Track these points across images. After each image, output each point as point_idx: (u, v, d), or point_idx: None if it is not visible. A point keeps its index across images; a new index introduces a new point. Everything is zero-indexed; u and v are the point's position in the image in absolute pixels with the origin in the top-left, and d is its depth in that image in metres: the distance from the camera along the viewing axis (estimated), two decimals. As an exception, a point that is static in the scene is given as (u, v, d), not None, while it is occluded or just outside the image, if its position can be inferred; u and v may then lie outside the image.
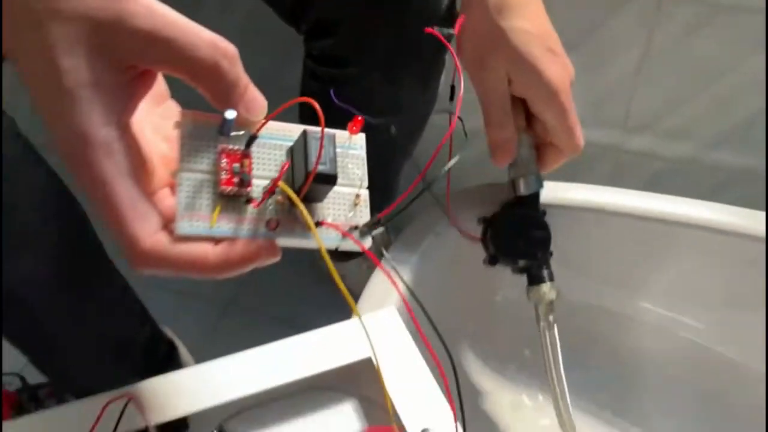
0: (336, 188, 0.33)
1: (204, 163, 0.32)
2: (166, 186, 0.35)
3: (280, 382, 0.41)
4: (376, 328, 0.44)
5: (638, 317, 0.66)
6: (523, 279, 0.57)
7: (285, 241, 0.33)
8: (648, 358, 0.66)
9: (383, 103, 0.65)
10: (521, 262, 0.57)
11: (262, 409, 0.40)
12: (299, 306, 1.00)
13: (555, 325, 0.56)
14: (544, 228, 0.57)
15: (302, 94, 0.33)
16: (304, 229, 0.33)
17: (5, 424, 0.40)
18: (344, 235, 0.33)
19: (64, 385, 0.84)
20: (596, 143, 0.90)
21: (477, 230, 0.59)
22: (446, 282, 0.61)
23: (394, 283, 0.33)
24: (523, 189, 0.57)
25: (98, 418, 0.37)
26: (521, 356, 0.68)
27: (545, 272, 0.56)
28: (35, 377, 1.01)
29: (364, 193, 0.35)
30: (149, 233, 0.31)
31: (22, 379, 1.00)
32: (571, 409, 0.56)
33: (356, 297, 0.54)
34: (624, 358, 0.67)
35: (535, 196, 0.58)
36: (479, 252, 0.59)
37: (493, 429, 0.64)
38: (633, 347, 0.66)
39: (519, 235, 0.57)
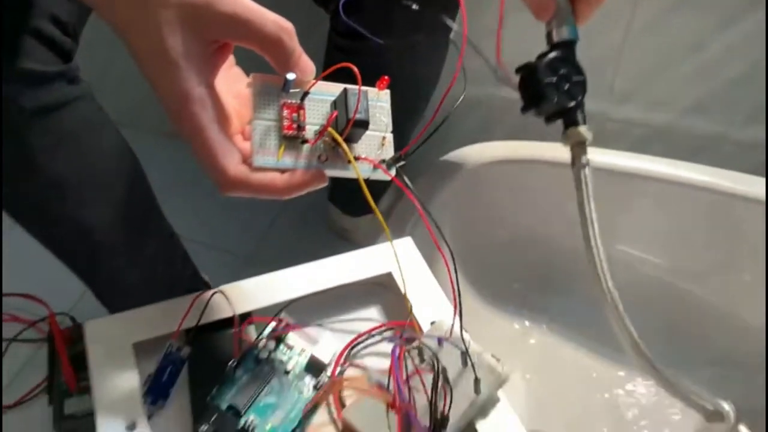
0: (367, 132, 0.44)
1: (271, 113, 0.44)
2: (238, 133, 0.47)
3: (321, 288, 0.53)
4: (399, 250, 0.55)
5: (612, 257, 0.77)
6: (518, 229, 0.68)
7: (331, 172, 0.44)
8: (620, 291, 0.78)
9: (400, 71, 0.76)
10: (557, 105, 0.58)
11: (307, 304, 0.52)
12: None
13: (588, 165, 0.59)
14: (580, 72, 0.59)
15: (327, 65, 0.44)
16: (345, 163, 0.44)
17: (110, 318, 0.51)
18: (376, 166, 0.44)
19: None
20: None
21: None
22: (454, 222, 0.72)
23: (415, 201, 0.44)
24: (557, 36, 0.58)
25: (189, 308, 0.49)
26: (511, 289, 0.80)
27: (580, 116, 0.59)
28: (83, 317, 1.14)
29: (389, 136, 0.46)
30: (234, 165, 0.42)
31: (72, 318, 1.12)
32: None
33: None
34: (592, 289, 0.78)
35: (572, 44, 0.59)
36: (482, 199, 0.71)
37: (487, 345, 0.77)
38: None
39: (557, 76, 0.58)
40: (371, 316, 0.54)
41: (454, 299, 0.45)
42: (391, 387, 0.46)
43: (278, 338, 0.49)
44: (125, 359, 0.48)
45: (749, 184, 0.73)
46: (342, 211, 1.08)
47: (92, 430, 0.44)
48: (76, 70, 0.62)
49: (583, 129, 0.61)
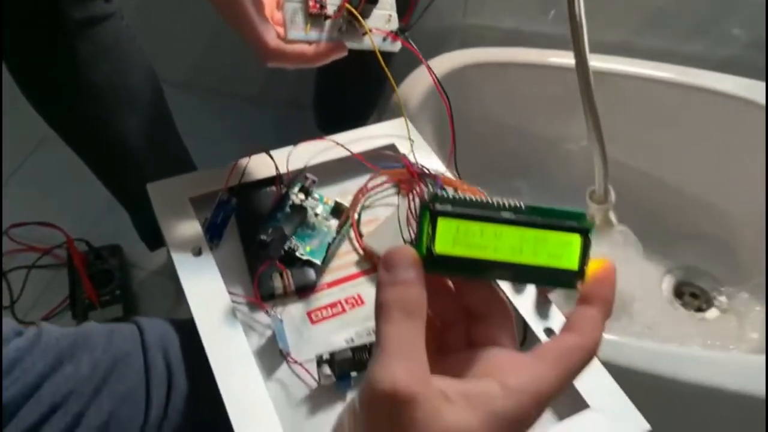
0: (375, 11, 0.56)
1: None
2: (270, 17, 0.57)
3: (334, 158, 0.64)
4: (396, 127, 0.67)
5: (563, 143, 0.90)
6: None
7: (350, 44, 0.55)
8: (571, 172, 0.91)
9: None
10: None
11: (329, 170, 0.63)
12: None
13: None
14: None
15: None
16: (361, 35, 0.55)
17: (168, 180, 0.62)
18: (387, 35, 0.55)
19: (144, 224, 1.06)
20: (544, 34, 1.13)
21: None
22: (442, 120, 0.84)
23: (423, 61, 0.55)
24: None
25: (232, 168, 0.60)
26: (490, 178, 0.92)
27: None
28: (98, 242, 1.24)
29: (394, 14, 0.57)
30: (272, 39, 0.53)
31: (88, 243, 1.22)
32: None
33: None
34: (556, 175, 0.91)
35: None
36: (469, 99, 0.83)
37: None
38: (565, 166, 0.91)
39: None
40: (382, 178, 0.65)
41: (452, 142, 0.57)
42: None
43: (306, 191, 0.60)
44: (185, 209, 0.59)
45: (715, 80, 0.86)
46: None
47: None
48: None
49: None
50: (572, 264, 0.31)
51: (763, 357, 0.64)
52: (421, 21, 1.09)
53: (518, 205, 0.32)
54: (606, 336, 0.63)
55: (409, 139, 0.64)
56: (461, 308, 0.33)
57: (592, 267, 0.32)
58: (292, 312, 0.55)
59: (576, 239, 0.31)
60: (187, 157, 0.96)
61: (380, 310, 0.29)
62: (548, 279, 0.32)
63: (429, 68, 0.56)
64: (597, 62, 0.87)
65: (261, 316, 0.54)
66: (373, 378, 0.27)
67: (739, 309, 0.81)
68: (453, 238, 0.31)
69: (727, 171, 0.89)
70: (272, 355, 0.51)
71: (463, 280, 0.33)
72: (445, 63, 0.88)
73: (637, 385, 0.53)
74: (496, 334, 0.32)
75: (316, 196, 0.61)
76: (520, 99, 0.89)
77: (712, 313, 0.83)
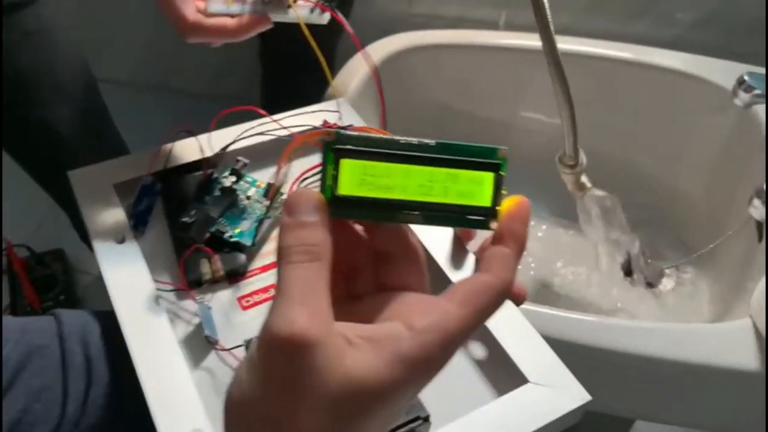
0: None
1: None
2: None
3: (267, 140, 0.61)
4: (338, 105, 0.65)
5: (515, 124, 0.89)
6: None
7: (275, 16, 0.53)
8: (523, 153, 0.90)
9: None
10: None
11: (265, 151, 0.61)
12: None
13: None
14: None
15: None
16: (286, 7, 0.53)
17: (90, 166, 0.59)
18: (315, 5, 0.53)
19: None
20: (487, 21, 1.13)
21: None
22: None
23: (354, 36, 0.53)
24: None
25: (158, 151, 0.57)
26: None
27: None
28: (41, 247, 1.20)
29: None
30: (191, 12, 0.51)
31: (29, 248, 1.18)
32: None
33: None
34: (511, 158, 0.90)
35: None
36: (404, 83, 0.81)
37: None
38: (519, 148, 0.89)
39: None
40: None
41: (382, 113, 0.55)
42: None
43: (238, 174, 0.58)
44: (108, 196, 0.56)
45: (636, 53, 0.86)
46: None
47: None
48: None
49: None
50: (485, 202, 0.30)
51: (696, 325, 0.64)
52: (367, 11, 1.08)
53: (428, 142, 0.30)
54: (541, 309, 0.62)
55: (338, 111, 0.63)
56: (370, 252, 0.32)
57: (506, 205, 0.30)
58: (222, 298, 0.52)
59: (488, 176, 0.30)
60: (125, 152, 0.93)
61: (281, 253, 0.28)
62: (460, 220, 0.30)
63: (360, 45, 0.54)
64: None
65: (189, 304, 0.51)
66: (270, 324, 0.26)
67: (687, 283, 0.81)
68: (359, 179, 0.29)
69: (674, 146, 0.89)
70: (200, 343, 0.49)
71: (371, 223, 0.32)
72: (387, 46, 0.86)
73: (580, 358, 0.51)
74: (406, 277, 0.31)
75: (249, 179, 0.58)
76: (467, 82, 0.88)
77: (662, 288, 0.83)
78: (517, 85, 0.88)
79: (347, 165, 0.29)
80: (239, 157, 0.58)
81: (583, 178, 0.74)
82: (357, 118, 0.64)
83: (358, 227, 0.32)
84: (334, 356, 0.25)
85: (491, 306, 0.29)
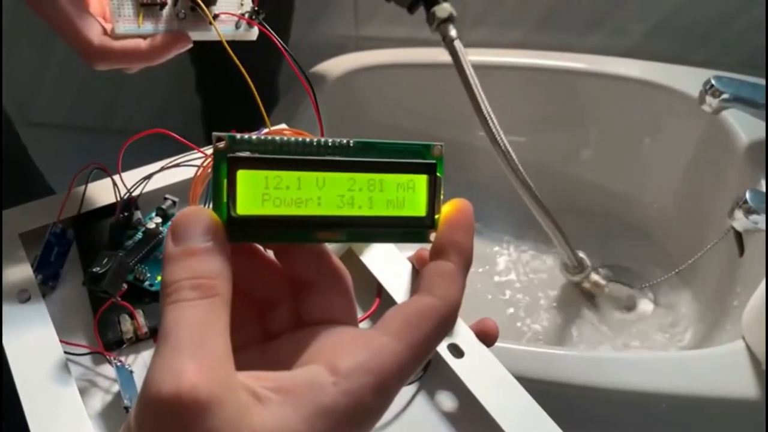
0: None
1: None
2: (100, 15, 0.48)
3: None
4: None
5: (475, 143, 0.84)
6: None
7: (195, 35, 0.47)
8: (485, 173, 0.85)
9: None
10: None
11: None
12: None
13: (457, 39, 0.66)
14: None
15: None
16: (208, 25, 0.47)
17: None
18: (239, 18, 0.47)
19: None
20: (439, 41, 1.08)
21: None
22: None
23: (285, 53, 0.47)
24: None
25: (68, 194, 0.50)
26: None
27: None
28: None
29: None
30: (97, 35, 0.45)
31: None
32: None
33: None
34: (467, 177, 0.85)
35: None
36: (351, 105, 0.75)
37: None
38: (473, 166, 0.85)
39: None
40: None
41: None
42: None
43: (166, 214, 0.51)
44: (12, 248, 0.48)
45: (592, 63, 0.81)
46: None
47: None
48: None
49: (445, 5, 0.69)
50: (419, 211, 0.25)
51: (685, 352, 0.59)
52: (314, 35, 1.02)
53: (345, 142, 0.24)
54: (514, 346, 0.56)
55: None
56: (287, 280, 0.26)
57: (445, 211, 0.25)
58: (148, 359, 0.45)
59: (421, 180, 0.24)
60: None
61: (165, 290, 0.22)
62: (392, 234, 0.25)
63: (296, 63, 0.48)
64: (500, 57, 0.82)
65: (107, 369, 0.44)
66: (150, 381, 0.20)
67: (669, 303, 0.76)
68: (261, 193, 0.23)
69: (641, 158, 0.84)
70: (119, 415, 0.41)
71: (280, 246, 0.26)
72: (335, 67, 0.81)
73: (561, 398, 0.45)
74: (329, 308, 0.26)
75: (178, 219, 0.52)
76: (418, 101, 0.82)
77: (640, 310, 0.77)
78: (470, 103, 0.83)
79: (245, 177, 0.23)
80: (167, 195, 0.52)
81: (595, 277, 0.72)
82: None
83: (269, 250, 0.26)
84: (235, 417, 0.20)
85: (436, 335, 0.23)
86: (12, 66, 1.25)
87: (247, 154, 0.23)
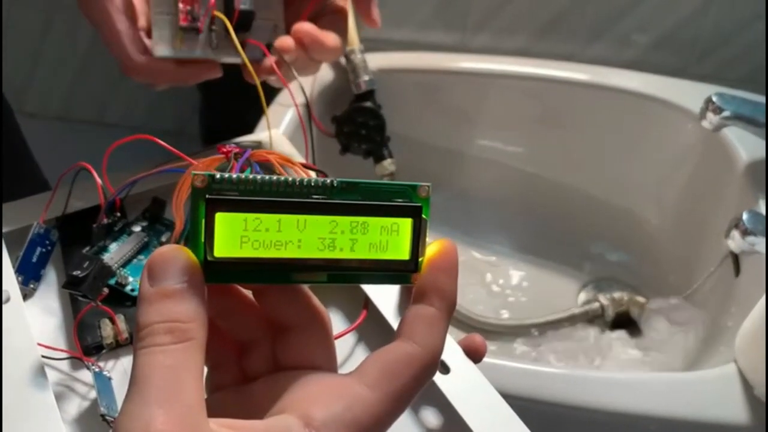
0: (260, 20, 0.49)
1: (166, 6, 0.48)
2: (142, 29, 0.50)
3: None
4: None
5: (471, 152, 0.83)
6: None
7: (224, 59, 0.49)
8: (482, 183, 0.84)
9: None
10: (365, 147, 0.74)
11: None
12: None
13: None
14: (379, 117, 0.74)
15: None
16: (236, 51, 0.48)
17: None
18: (262, 48, 0.49)
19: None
20: (440, 44, 1.07)
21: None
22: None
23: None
24: (356, 89, 0.74)
25: (53, 193, 0.49)
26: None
27: (385, 151, 0.73)
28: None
29: (281, 23, 0.51)
30: (139, 52, 0.47)
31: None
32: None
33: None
34: (464, 185, 0.84)
35: (371, 92, 0.74)
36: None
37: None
38: (469, 175, 0.84)
39: (360, 126, 0.73)
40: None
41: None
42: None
43: (155, 217, 0.50)
44: (-6, 247, 0.47)
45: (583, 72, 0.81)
46: None
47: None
48: None
49: (387, 162, 0.74)
50: (402, 255, 0.24)
51: (674, 374, 0.58)
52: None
53: (329, 182, 0.23)
54: (502, 362, 0.55)
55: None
56: (265, 321, 0.26)
57: (429, 253, 0.24)
58: (127, 365, 0.44)
59: (405, 223, 0.24)
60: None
61: (138, 334, 0.21)
62: (374, 276, 0.25)
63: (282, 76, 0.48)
64: (501, 65, 0.81)
65: (85, 375, 0.43)
66: (121, 427, 0.20)
67: (671, 318, 0.74)
68: (239, 235, 0.23)
69: (639, 175, 0.83)
70: (95, 423, 0.40)
71: (258, 286, 0.26)
72: (330, 72, 0.80)
73: (549, 418, 0.45)
74: (307, 351, 0.25)
75: (168, 221, 0.51)
76: (417, 109, 0.81)
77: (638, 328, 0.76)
78: (471, 111, 0.82)
79: (224, 219, 0.22)
80: (158, 196, 0.51)
81: (639, 298, 0.75)
82: (291, 149, 0.58)
83: (247, 291, 0.26)
84: None
85: (415, 384, 0.23)
86: (7, 56, 1.25)
87: (226, 195, 0.22)
